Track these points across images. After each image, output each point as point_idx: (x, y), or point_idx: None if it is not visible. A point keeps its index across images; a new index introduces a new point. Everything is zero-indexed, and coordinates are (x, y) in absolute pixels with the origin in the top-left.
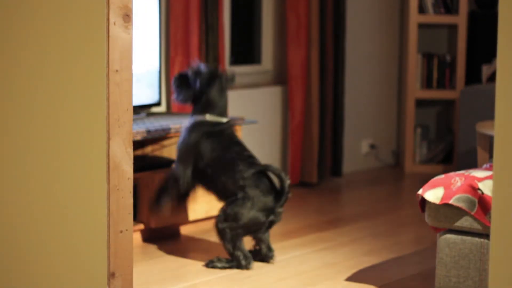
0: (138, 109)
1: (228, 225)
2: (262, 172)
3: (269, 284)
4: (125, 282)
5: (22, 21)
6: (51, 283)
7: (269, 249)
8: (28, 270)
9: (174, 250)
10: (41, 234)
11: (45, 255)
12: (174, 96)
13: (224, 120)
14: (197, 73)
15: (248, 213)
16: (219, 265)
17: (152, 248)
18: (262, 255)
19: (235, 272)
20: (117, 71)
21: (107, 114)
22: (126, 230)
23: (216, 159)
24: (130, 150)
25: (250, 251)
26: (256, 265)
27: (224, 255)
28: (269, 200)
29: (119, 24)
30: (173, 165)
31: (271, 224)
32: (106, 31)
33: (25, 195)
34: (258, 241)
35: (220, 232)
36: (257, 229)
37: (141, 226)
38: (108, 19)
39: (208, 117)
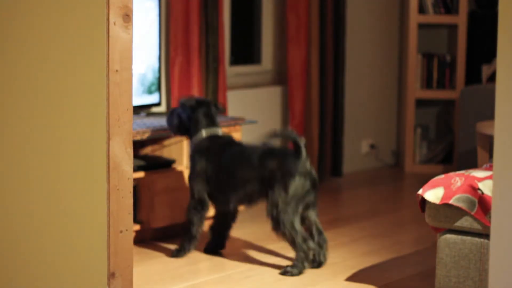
0: (138, 109)
1: (281, 205)
2: (270, 151)
3: (269, 284)
4: (125, 282)
5: (22, 21)
6: (51, 283)
7: (320, 232)
8: (28, 270)
9: None
10: (41, 234)
11: (45, 255)
12: (171, 131)
13: (219, 130)
14: (183, 105)
15: (291, 185)
16: (295, 271)
17: (152, 248)
18: (314, 242)
19: (235, 272)
20: (117, 71)
21: (107, 114)
22: (126, 230)
23: (224, 168)
24: (130, 150)
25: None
26: (256, 264)
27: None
28: (292, 160)
29: (119, 24)
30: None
31: (313, 184)
32: (106, 31)
33: (25, 195)
34: (308, 221)
35: (279, 220)
36: (307, 196)
37: (142, 226)
38: (108, 19)
39: (204, 132)
